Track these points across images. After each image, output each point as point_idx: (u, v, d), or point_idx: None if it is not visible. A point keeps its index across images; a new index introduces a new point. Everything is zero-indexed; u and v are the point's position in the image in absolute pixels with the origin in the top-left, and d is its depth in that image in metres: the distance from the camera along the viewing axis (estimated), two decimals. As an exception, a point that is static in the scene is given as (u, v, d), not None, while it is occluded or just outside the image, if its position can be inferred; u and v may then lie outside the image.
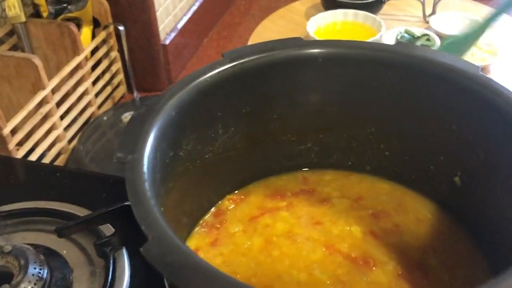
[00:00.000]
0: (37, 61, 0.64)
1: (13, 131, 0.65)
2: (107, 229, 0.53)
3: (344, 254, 0.41)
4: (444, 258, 0.41)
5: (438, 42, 0.86)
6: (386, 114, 0.43)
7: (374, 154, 0.47)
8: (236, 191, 0.46)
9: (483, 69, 0.86)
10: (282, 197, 0.46)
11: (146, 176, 0.30)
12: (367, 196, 0.47)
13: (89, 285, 0.50)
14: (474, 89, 0.38)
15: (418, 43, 0.88)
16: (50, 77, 0.70)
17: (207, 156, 0.39)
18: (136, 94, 0.81)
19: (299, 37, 0.42)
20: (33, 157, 0.69)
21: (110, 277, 0.51)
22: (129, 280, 0.51)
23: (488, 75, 0.77)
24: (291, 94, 0.42)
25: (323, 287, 0.39)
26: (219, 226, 0.44)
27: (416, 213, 0.46)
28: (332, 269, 0.40)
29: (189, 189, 0.40)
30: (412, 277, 0.40)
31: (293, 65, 0.39)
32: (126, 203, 0.39)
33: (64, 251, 0.54)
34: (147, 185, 0.30)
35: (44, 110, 0.70)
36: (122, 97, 0.90)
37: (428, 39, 0.89)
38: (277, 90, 0.42)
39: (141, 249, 0.26)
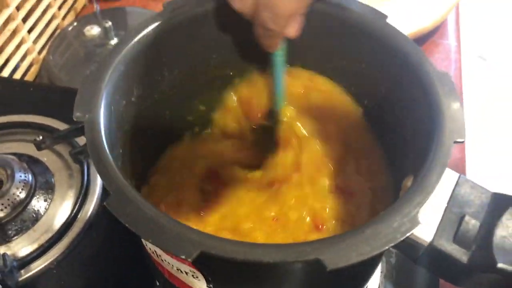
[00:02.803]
0: (-3, -20, 0.61)
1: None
2: (80, 139, 0.56)
3: None
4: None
5: None
6: (309, 51, 0.44)
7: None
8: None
9: None
10: None
11: (103, 133, 0.31)
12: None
13: (68, 186, 0.54)
14: (377, 35, 0.39)
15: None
16: (13, -6, 0.67)
17: (155, 96, 0.41)
18: (96, 6, 0.78)
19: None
20: (7, 70, 0.68)
21: (86, 178, 0.55)
22: (101, 180, 0.55)
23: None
24: (229, 39, 0.43)
25: None
26: None
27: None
28: None
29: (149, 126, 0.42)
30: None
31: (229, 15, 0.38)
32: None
33: (45, 158, 0.57)
34: (105, 142, 0.31)
35: (11, 27, 0.67)
36: (84, 7, 0.86)
37: None
38: (216, 36, 0.42)
39: (105, 203, 0.28)
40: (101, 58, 0.34)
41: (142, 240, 0.36)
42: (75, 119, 0.31)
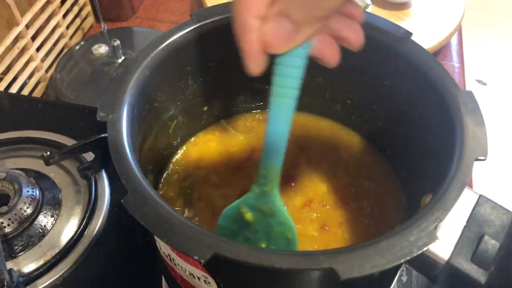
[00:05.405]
0: (9, -1, 0.62)
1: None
2: (88, 155, 0.55)
3: None
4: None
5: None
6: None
7: (319, 98, 0.49)
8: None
9: (406, 3, 0.84)
10: None
11: (125, 133, 0.31)
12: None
13: (76, 201, 0.53)
14: (402, 52, 0.38)
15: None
16: (23, 13, 0.67)
17: (178, 103, 0.41)
18: (103, 26, 0.79)
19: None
20: (15, 87, 0.68)
21: (93, 194, 0.54)
22: (109, 195, 0.54)
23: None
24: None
25: None
26: None
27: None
28: None
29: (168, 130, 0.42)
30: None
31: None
32: (103, 135, 0.40)
33: (52, 174, 0.56)
34: (126, 141, 0.31)
35: (20, 44, 0.67)
36: (91, 27, 0.86)
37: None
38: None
39: (122, 200, 0.27)
40: (127, 62, 0.34)
41: (156, 243, 0.36)
42: (98, 119, 0.31)
